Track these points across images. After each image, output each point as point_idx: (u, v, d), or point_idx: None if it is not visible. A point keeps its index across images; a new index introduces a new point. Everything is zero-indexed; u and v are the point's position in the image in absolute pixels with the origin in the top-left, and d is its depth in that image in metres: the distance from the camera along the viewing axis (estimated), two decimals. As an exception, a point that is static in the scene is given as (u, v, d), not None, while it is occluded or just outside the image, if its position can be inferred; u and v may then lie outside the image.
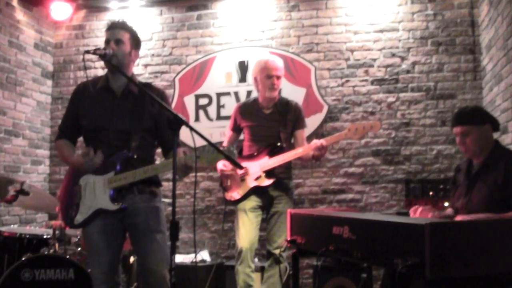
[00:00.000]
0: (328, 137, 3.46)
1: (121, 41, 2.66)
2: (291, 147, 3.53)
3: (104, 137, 2.62)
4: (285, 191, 3.52)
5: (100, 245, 2.58)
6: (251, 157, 3.50)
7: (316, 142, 3.32)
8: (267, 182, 3.41)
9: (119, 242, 2.67)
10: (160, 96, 2.67)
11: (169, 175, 4.80)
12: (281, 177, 3.49)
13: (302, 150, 3.37)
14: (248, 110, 3.61)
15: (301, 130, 3.60)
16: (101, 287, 2.58)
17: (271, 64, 3.51)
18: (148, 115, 2.64)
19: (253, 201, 3.47)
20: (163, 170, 2.52)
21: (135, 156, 2.58)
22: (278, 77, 3.52)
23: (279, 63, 3.56)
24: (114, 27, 2.69)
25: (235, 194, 3.48)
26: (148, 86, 2.77)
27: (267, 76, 3.48)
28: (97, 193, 2.57)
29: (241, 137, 3.75)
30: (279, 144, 3.46)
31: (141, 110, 2.63)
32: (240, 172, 3.45)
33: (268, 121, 3.54)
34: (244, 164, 3.42)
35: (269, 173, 3.42)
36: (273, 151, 3.43)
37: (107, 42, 2.66)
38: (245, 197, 3.45)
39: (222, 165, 3.47)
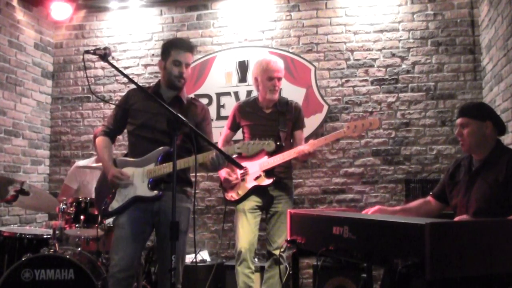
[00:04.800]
0: (328, 135, 3.46)
1: (189, 64, 2.89)
2: (291, 146, 3.53)
3: (149, 134, 2.81)
4: (285, 191, 3.52)
5: (128, 234, 2.71)
6: (250, 156, 3.49)
7: (302, 148, 3.33)
8: (267, 181, 3.41)
9: (145, 236, 2.81)
10: (201, 111, 2.93)
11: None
12: (281, 176, 3.49)
13: (300, 149, 3.37)
14: (248, 109, 3.61)
15: (300, 130, 3.61)
16: (118, 275, 2.66)
17: (273, 66, 3.49)
18: (191, 122, 2.71)
19: (253, 202, 3.47)
20: (200, 160, 2.67)
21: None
22: (279, 79, 3.52)
23: (281, 64, 3.56)
24: (187, 49, 2.86)
25: (235, 194, 3.47)
26: (194, 100, 3.02)
27: (269, 78, 3.48)
28: (135, 182, 2.75)
29: (236, 137, 3.77)
30: (278, 143, 3.46)
31: (185, 117, 2.71)
32: (240, 172, 3.45)
33: (268, 121, 3.54)
34: (243, 163, 3.42)
35: (268, 173, 3.42)
36: (273, 150, 3.43)
37: (177, 63, 2.82)
38: (245, 197, 3.45)
39: (226, 173, 3.48)
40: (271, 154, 3.42)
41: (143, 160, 2.78)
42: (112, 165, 2.81)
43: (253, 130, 3.57)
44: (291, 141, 3.61)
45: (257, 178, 3.43)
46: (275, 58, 3.67)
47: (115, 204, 2.76)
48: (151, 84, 3.00)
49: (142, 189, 2.73)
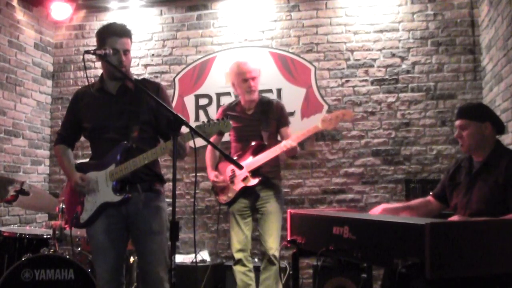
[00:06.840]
0: (305, 131, 3.48)
1: (129, 50, 2.64)
2: (275, 145, 3.53)
3: (105, 134, 2.63)
4: (272, 191, 3.54)
5: (105, 244, 2.59)
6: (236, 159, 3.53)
7: (286, 143, 3.35)
8: (253, 182, 3.44)
9: (123, 242, 2.68)
10: (156, 89, 2.68)
11: (169, 175, 4.79)
12: (268, 176, 3.52)
13: (286, 144, 3.37)
14: (232, 112, 3.67)
15: (285, 127, 3.66)
16: (105, 287, 2.59)
17: (243, 68, 3.55)
18: (146, 109, 2.64)
19: (241, 203, 3.54)
20: (161, 153, 2.51)
21: (134, 146, 2.58)
22: (254, 78, 3.55)
23: (252, 64, 3.61)
24: (122, 35, 2.60)
25: (225, 197, 3.55)
26: (143, 81, 2.80)
27: (243, 80, 3.54)
28: (100, 188, 2.59)
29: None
30: (261, 143, 3.50)
31: (138, 104, 2.64)
32: (228, 175, 3.52)
33: (251, 121, 3.60)
34: (230, 166, 3.49)
35: (254, 173, 3.46)
36: (257, 150, 3.48)
37: (115, 52, 2.56)
38: (235, 199, 3.52)
39: (214, 175, 3.56)
40: (255, 154, 3.44)
41: (103, 162, 2.61)
42: (74, 172, 2.65)
43: (238, 132, 3.62)
44: (279, 138, 3.64)
45: (244, 179, 3.46)
46: (245, 59, 3.74)
47: (85, 215, 2.60)
48: (96, 79, 2.81)
49: (108, 194, 2.56)
